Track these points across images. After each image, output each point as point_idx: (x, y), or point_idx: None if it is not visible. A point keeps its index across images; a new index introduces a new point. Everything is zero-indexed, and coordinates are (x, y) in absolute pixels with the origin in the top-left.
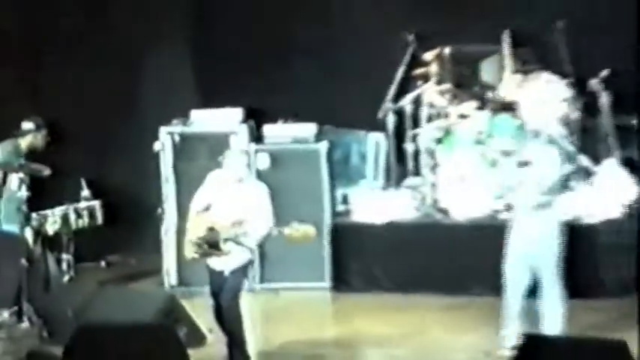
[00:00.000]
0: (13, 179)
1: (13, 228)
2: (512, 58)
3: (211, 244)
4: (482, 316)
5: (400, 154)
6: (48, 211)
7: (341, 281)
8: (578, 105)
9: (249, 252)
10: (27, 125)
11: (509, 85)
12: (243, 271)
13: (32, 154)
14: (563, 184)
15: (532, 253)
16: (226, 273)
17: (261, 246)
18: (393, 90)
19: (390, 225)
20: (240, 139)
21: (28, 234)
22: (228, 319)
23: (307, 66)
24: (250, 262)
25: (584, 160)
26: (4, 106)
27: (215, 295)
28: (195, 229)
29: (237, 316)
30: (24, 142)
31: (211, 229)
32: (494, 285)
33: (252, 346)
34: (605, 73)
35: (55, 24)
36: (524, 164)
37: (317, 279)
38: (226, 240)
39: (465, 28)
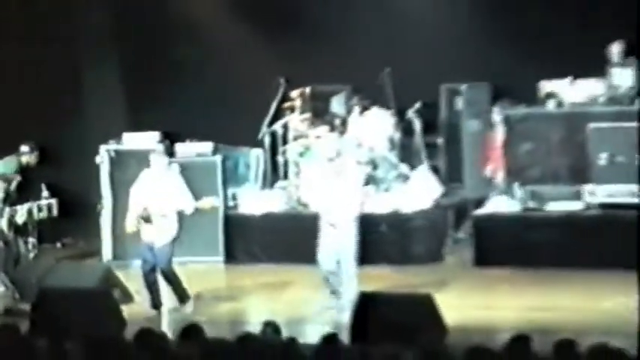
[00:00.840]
0: None
1: None
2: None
3: (145, 219)
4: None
5: (274, 164)
6: (17, 207)
7: (230, 256)
8: (399, 128)
9: (174, 229)
10: (24, 148)
11: (354, 114)
12: (170, 245)
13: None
14: (388, 185)
15: (338, 243)
16: (156, 245)
17: None
18: (268, 118)
19: (266, 215)
20: (159, 155)
21: (3, 223)
22: (168, 274)
23: (207, 100)
24: (174, 238)
25: (403, 168)
26: None
27: (145, 262)
28: (134, 210)
29: (173, 271)
30: (23, 160)
31: (145, 209)
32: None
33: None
34: (417, 105)
35: None
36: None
37: (213, 254)
38: (155, 216)
39: (320, 74)
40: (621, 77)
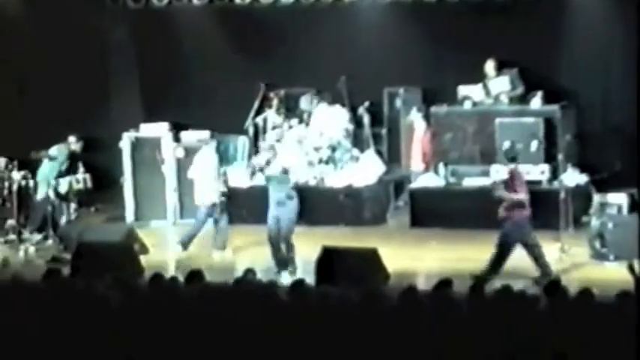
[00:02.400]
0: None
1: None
2: (322, 96)
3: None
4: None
5: (256, 148)
6: (60, 179)
7: None
8: (352, 121)
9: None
10: (72, 138)
11: (321, 111)
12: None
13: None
14: (343, 165)
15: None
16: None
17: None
18: (252, 113)
19: (250, 187)
20: (168, 141)
21: (51, 193)
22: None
23: (206, 98)
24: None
25: (355, 151)
26: None
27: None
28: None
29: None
30: (72, 148)
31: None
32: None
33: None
34: (366, 104)
35: None
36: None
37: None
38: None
39: (292, 79)
40: (497, 85)
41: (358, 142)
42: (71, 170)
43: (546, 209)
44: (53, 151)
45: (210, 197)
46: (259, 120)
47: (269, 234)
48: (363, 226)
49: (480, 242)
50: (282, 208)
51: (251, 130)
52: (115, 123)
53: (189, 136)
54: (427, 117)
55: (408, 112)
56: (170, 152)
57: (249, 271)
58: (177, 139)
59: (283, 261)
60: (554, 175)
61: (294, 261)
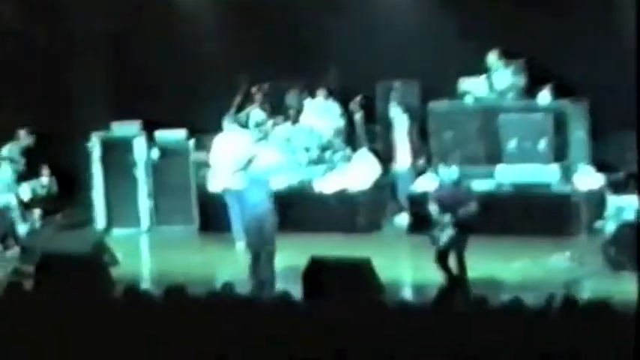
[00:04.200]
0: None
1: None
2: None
3: None
4: None
5: None
6: (24, 184)
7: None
8: (345, 117)
9: None
10: (22, 132)
11: (309, 107)
12: None
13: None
14: (335, 165)
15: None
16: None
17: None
18: (234, 109)
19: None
20: (141, 141)
21: (14, 199)
22: None
23: (182, 93)
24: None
25: (348, 150)
26: None
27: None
28: None
29: None
30: (23, 144)
31: None
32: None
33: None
34: (358, 99)
35: None
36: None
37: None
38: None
39: (282, 72)
40: (501, 78)
41: (351, 139)
42: (32, 173)
43: (557, 213)
44: (4, 151)
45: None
46: (241, 117)
47: (248, 243)
48: (357, 234)
49: (483, 249)
50: (262, 213)
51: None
52: (80, 120)
53: (164, 135)
54: (411, 112)
55: (402, 107)
56: (144, 153)
57: (227, 285)
58: (151, 140)
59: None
60: (566, 176)
61: (273, 280)
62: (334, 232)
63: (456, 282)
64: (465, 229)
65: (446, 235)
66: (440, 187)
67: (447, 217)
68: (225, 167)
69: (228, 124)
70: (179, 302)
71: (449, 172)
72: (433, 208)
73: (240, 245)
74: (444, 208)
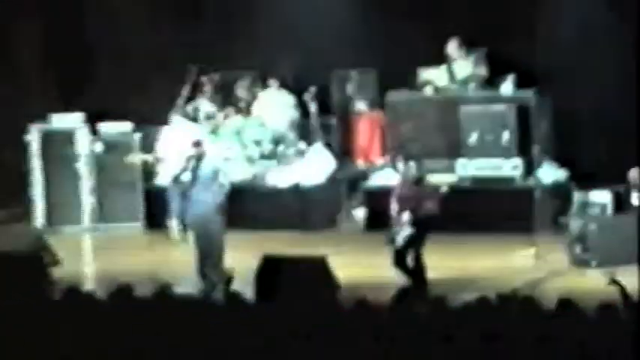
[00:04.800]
0: None
1: None
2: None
3: None
4: None
5: None
6: None
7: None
8: (299, 109)
9: None
10: None
11: (261, 98)
12: None
13: None
14: (288, 160)
15: None
16: None
17: None
18: (181, 100)
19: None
20: (83, 133)
21: None
22: None
23: (125, 84)
24: None
25: (301, 145)
26: None
27: None
28: None
29: None
30: None
31: None
32: None
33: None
34: (313, 90)
35: None
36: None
37: (135, 219)
38: None
39: (228, 61)
40: (461, 68)
41: (305, 133)
42: None
43: (520, 209)
44: None
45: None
46: (189, 109)
47: (197, 244)
48: (312, 231)
49: (444, 248)
50: (209, 210)
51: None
52: (18, 110)
53: (108, 127)
54: (381, 104)
55: (360, 98)
56: (86, 147)
57: (169, 287)
58: (94, 132)
59: (211, 283)
60: (529, 170)
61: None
62: (288, 229)
63: (415, 282)
64: (423, 228)
65: (403, 234)
66: (400, 183)
67: (406, 216)
68: (172, 162)
69: (175, 116)
70: (124, 304)
71: (408, 168)
72: (393, 207)
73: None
74: (403, 206)
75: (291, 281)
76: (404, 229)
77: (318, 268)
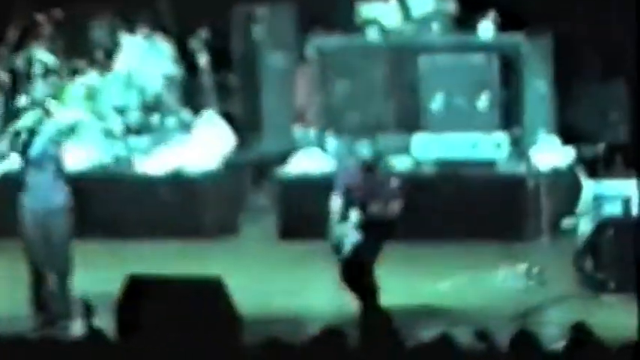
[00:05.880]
0: None
1: None
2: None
3: None
4: None
5: (13, 110)
6: None
7: None
8: (180, 63)
9: None
10: None
11: (127, 46)
12: None
13: None
14: (166, 137)
15: None
16: None
17: None
18: (4, 48)
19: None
20: None
21: None
22: None
23: None
24: None
25: (185, 113)
26: None
27: None
28: None
29: None
30: None
31: None
32: None
33: None
34: (203, 34)
35: None
36: None
37: None
38: None
39: None
40: (420, 1)
41: (191, 97)
42: None
43: (505, 207)
44: None
45: None
46: (18, 61)
47: (30, 255)
48: (202, 240)
49: (391, 263)
50: (47, 208)
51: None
52: None
53: None
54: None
55: (274, 48)
56: None
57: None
58: None
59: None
60: (518, 149)
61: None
62: (167, 237)
63: (365, 307)
64: (377, 232)
65: (350, 241)
66: (345, 171)
67: (354, 216)
68: None
69: None
70: None
71: (350, 147)
72: (334, 204)
73: None
74: (351, 202)
75: (170, 311)
76: (351, 233)
77: (210, 292)
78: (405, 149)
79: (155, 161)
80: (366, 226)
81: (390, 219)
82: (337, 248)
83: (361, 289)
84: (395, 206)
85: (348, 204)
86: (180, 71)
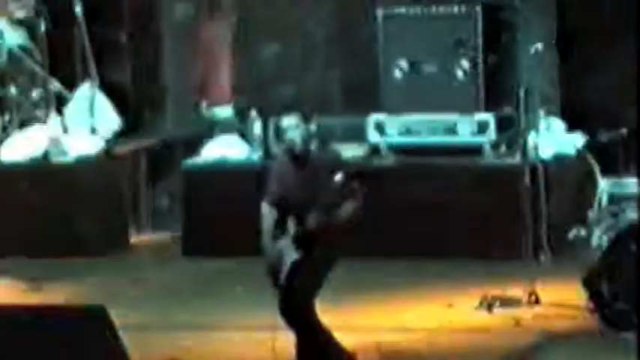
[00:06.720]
0: None
1: None
2: None
3: None
4: None
5: None
6: None
7: None
8: (45, 14)
9: None
10: None
11: None
12: None
13: None
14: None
15: None
16: None
17: None
18: None
19: None
20: None
21: None
22: None
23: None
24: None
25: (55, 84)
26: None
27: None
28: None
29: None
30: None
31: None
32: None
33: None
34: None
35: None
36: None
37: None
38: None
39: None
40: None
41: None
42: None
43: (491, 210)
44: None
45: None
46: None
47: None
48: (80, 256)
49: (355, 288)
50: None
51: None
52: None
53: None
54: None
55: None
56: None
57: None
58: None
59: None
60: (509, 135)
61: None
62: (30, 252)
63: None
64: (323, 248)
65: (290, 259)
66: (279, 162)
67: (291, 226)
68: None
69: None
70: None
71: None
72: (265, 209)
73: None
74: (288, 207)
75: (40, 348)
76: (289, 250)
77: (91, 323)
78: (359, 133)
79: (10, 146)
80: (306, 240)
81: (339, 228)
82: (273, 272)
83: (305, 326)
84: (346, 210)
85: (284, 212)
86: (44, 25)
